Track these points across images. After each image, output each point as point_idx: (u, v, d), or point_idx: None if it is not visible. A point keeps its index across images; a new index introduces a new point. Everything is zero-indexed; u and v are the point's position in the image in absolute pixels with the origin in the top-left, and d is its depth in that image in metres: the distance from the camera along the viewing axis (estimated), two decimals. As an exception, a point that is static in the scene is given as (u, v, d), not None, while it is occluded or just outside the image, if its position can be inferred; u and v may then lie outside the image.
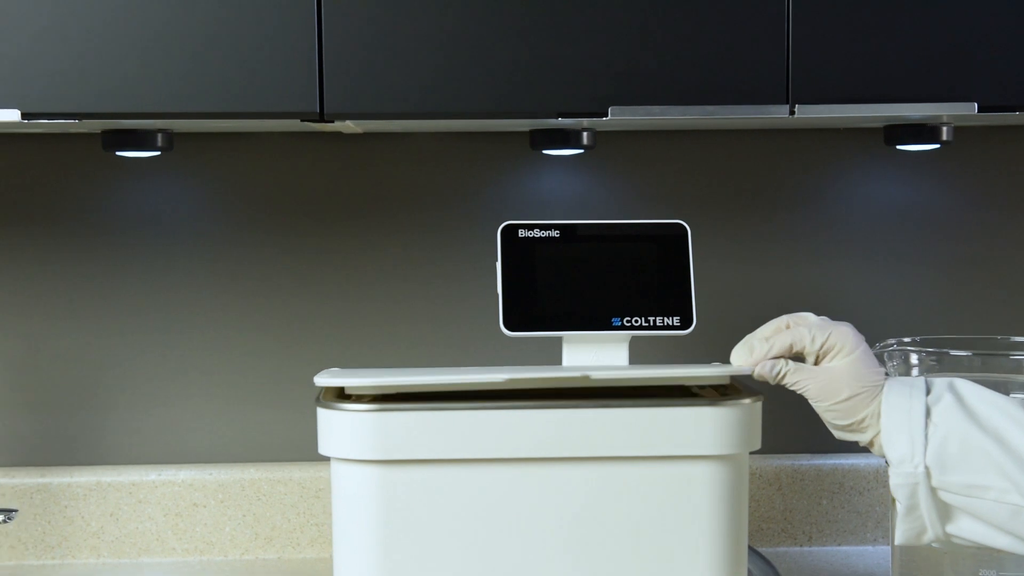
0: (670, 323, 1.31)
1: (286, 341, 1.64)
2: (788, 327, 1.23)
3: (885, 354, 1.35)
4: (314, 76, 1.28)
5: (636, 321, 1.31)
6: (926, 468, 1.15)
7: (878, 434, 1.18)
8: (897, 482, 1.16)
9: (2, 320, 1.63)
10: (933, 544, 1.19)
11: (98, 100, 1.27)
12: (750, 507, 1.52)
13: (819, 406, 1.20)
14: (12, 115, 1.27)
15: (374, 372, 1.31)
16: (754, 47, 1.29)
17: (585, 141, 1.51)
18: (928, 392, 1.17)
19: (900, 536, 1.19)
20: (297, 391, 1.63)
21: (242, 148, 1.62)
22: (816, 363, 1.21)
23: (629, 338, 1.32)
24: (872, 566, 1.59)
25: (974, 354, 1.33)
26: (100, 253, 1.63)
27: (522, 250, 1.32)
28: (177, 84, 1.27)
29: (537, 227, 1.33)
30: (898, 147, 1.56)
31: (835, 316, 1.24)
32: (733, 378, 1.32)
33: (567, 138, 1.51)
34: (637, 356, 1.34)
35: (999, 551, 1.21)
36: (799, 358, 1.22)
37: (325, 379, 1.26)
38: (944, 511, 1.16)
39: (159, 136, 1.45)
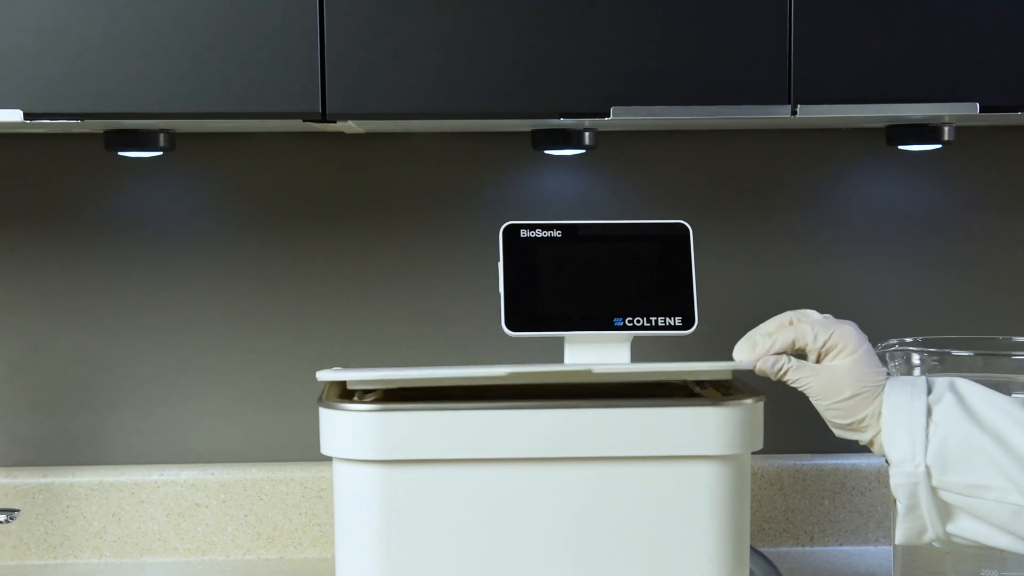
0: (672, 323, 1.31)
1: (288, 341, 1.64)
2: (791, 323, 1.23)
3: (887, 354, 1.35)
4: (316, 76, 1.28)
5: (638, 321, 1.31)
6: (927, 468, 1.15)
7: (878, 433, 1.18)
8: (898, 482, 1.16)
9: (4, 320, 1.63)
10: (934, 544, 1.19)
11: (100, 100, 1.27)
12: (752, 507, 1.52)
13: (820, 404, 1.20)
14: (14, 115, 1.27)
15: (376, 369, 1.31)
16: (756, 47, 1.29)
17: (587, 141, 1.51)
18: (929, 392, 1.17)
19: (901, 535, 1.19)
20: (299, 391, 1.63)
21: (244, 148, 1.63)
22: (818, 361, 1.21)
23: (631, 338, 1.32)
24: (874, 566, 1.59)
25: (976, 354, 1.33)
26: (102, 253, 1.63)
27: (524, 250, 1.32)
28: (179, 84, 1.27)
29: (539, 227, 1.33)
30: (900, 147, 1.56)
31: (837, 316, 1.23)
32: (735, 376, 1.32)
33: (569, 138, 1.51)
34: (639, 356, 1.34)
35: (1001, 551, 1.21)
36: (801, 355, 1.22)
37: (327, 374, 1.26)
38: (945, 511, 1.17)
39: (161, 136, 1.46)
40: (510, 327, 1.30)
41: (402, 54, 1.28)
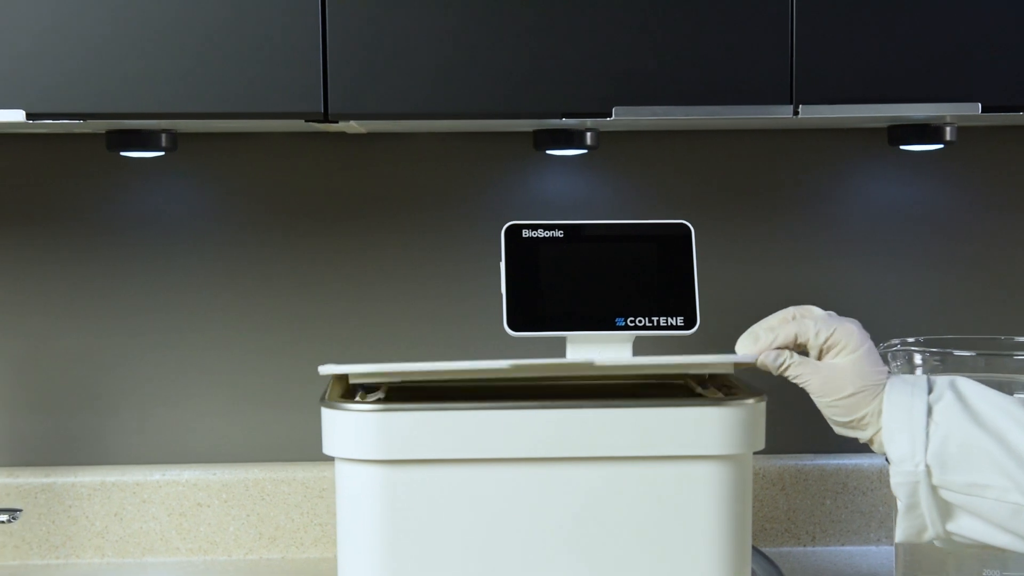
0: (674, 323, 1.31)
1: (290, 341, 1.64)
2: (794, 318, 1.23)
3: (889, 354, 1.35)
4: (318, 76, 1.28)
5: (640, 321, 1.31)
6: (927, 467, 1.15)
7: (878, 432, 1.18)
8: (898, 480, 1.16)
9: (6, 320, 1.63)
10: (935, 542, 1.19)
11: (102, 100, 1.27)
12: (753, 507, 1.52)
13: (820, 401, 1.20)
14: (17, 115, 1.27)
15: (378, 363, 1.31)
16: (758, 47, 1.29)
17: (589, 141, 1.51)
18: (930, 391, 1.17)
19: (900, 534, 1.19)
20: (300, 391, 1.63)
21: (246, 148, 1.63)
22: (819, 357, 1.21)
23: (633, 338, 1.32)
24: (876, 566, 1.59)
25: (978, 354, 1.33)
26: (104, 253, 1.63)
27: (526, 250, 1.32)
28: (181, 84, 1.27)
29: (541, 227, 1.33)
30: (901, 147, 1.56)
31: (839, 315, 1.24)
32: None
33: (571, 138, 1.51)
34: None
35: (1003, 551, 1.21)
36: (803, 350, 1.22)
37: (329, 368, 1.26)
38: (945, 509, 1.17)
39: (163, 136, 1.46)
40: (512, 327, 1.30)
41: (404, 54, 1.28)
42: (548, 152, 1.60)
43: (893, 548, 1.46)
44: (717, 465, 1.23)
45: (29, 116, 1.27)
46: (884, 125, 1.56)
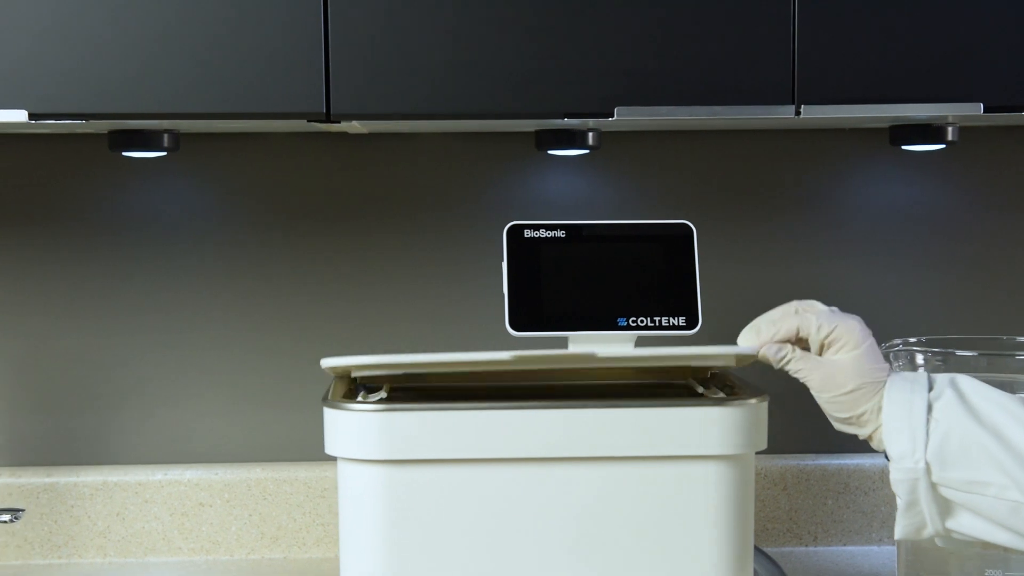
0: (676, 323, 1.31)
1: (291, 340, 1.64)
2: (797, 312, 1.23)
3: (891, 354, 1.35)
4: (320, 77, 1.28)
5: (642, 321, 1.31)
6: (926, 464, 1.15)
7: (878, 428, 1.18)
8: (897, 477, 1.16)
9: (7, 320, 1.63)
10: (935, 540, 1.19)
11: (104, 100, 1.28)
12: (755, 507, 1.52)
13: (820, 397, 1.20)
14: (19, 115, 1.27)
15: (381, 355, 1.31)
16: (760, 48, 1.29)
17: (591, 141, 1.51)
18: (930, 388, 1.18)
19: (900, 531, 1.20)
20: (302, 390, 1.63)
21: (248, 148, 1.63)
22: (820, 352, 1.21)
23: (635, 338, 1.32)
24: (877, 566, 1.59)
25: (980, 354, 1.33)
26: (106, 253, 1.63)
27: (528, 250, 1.32)
28: (183, 84, 1.27)
29: (543, 227, 1.33)
30: (903, 147, 1.56)
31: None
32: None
33: (573, 138, 1.51)
34: (643, 356, 1.34)
35: (1004, 550, 1.21)
36: (805, 345, 1.22)
37: (332, 360, 1.26)
38: (944, 507, 1.17)
39: (165, 136, 1.46)
40: (514, 327, 1.30)
41: (406, 54, 1.28)
42: (550, 152, 1.60)
43: (895, 548, 1.46)
44: (719, 465, 1.23)
45: (31, 116, 1.27)
46: (886, 125, 1.56)
